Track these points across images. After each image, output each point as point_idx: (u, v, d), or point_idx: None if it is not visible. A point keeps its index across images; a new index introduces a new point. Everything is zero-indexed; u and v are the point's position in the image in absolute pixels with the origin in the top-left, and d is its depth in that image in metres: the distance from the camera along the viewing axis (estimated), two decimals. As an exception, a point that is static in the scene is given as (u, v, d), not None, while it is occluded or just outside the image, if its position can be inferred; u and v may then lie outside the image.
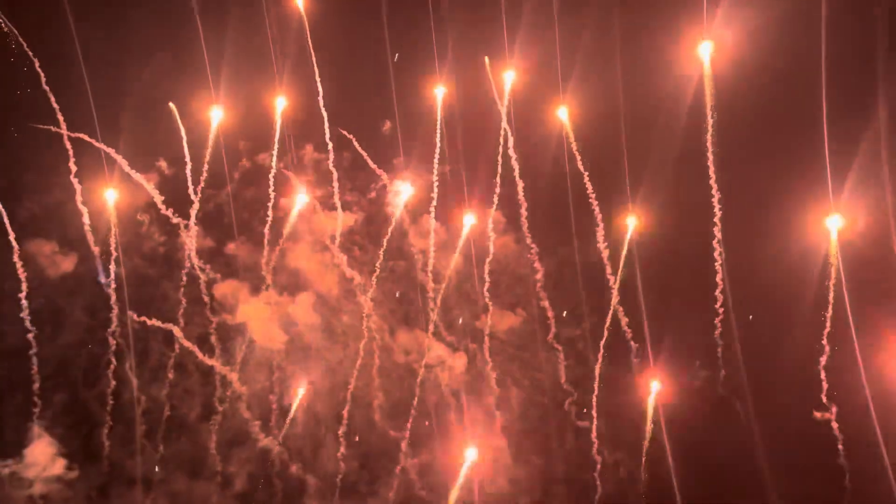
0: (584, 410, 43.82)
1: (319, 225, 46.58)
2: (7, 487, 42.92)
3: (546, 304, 44.29)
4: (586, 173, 43.90)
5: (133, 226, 46.08)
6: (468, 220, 45.16)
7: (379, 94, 45.48)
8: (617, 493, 43.33)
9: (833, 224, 40.94)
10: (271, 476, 44.66)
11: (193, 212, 46.25)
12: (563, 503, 43.53)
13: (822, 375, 41.43)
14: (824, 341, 41.31)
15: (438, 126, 44.97)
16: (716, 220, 42.07)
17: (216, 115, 45.86)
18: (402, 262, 45.96)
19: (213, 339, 45.55)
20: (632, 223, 43.68)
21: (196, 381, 45.38)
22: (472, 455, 43.43)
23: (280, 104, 46.08)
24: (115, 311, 45.27)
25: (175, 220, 46.13)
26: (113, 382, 45.02)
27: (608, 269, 43.54)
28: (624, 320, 43.35)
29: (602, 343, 43.53)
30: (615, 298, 43.34)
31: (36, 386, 44.05)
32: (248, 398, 45.30)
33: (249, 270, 46.34)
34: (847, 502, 41.20)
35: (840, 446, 41.34)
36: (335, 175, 46.20)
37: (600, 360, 43.42)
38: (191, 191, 46.31)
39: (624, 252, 43.38)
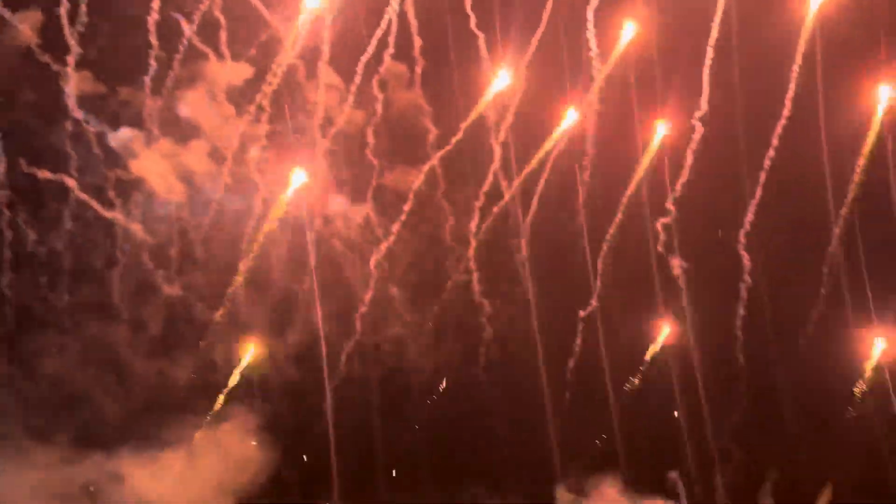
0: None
1: (211, 74, 45.13)
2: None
3: (436, 164, 45.34)
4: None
5: (9, 71, 43.74)
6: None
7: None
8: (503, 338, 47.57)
9: None
10: (177, 320, 47.04)
11: (72, 58, 43.95)
12: (454, 342, 47.68)
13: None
14: None
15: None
16: None
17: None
18: (300, 115, 45.60)
19: (110, 193, 45.48)
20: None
21: (95, 232, 45.91)
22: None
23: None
24: (3, 160, 44.37)
25: (55, 67, 43.91)
26: (9, 232, 45.20)
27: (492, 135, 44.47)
28: (505, 184, 45.06)
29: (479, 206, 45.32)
30: (496, 162, 44.61)
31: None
32: (150, 248, 46.35)
33: (139, 120, 45.30)
34: None
35: None
36: (223, 23, 44.06)
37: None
38: (68, 34, 43.67)
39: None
